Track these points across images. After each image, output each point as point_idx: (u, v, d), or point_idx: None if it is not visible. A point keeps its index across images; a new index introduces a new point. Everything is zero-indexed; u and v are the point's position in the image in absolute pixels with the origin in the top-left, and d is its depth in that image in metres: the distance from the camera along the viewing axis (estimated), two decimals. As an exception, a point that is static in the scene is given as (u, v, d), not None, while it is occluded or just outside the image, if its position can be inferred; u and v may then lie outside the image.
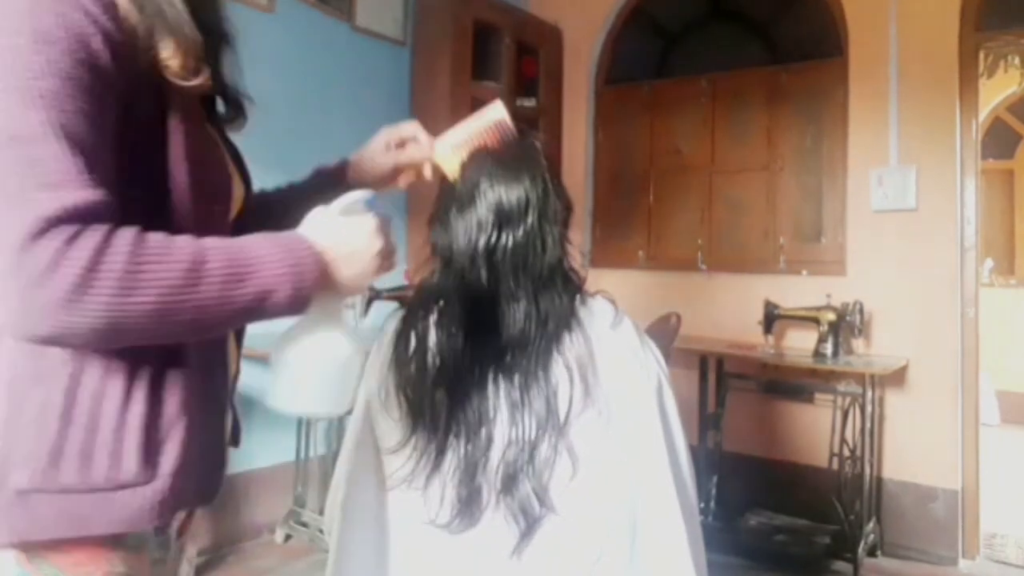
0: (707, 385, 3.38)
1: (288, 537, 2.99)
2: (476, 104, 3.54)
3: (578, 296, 1.04)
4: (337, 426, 3.10)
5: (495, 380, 0.98)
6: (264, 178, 1.05)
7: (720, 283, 3.64)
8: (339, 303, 0.85)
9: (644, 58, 4.06)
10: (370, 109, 3.45)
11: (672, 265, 3.80)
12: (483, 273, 1.01)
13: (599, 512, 0.98)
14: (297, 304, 0.76)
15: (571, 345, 0.99)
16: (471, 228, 1.02)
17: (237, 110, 0.94)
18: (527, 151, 1.08)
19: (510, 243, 1.00)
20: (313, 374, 0.83)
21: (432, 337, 1.02)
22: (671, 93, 3.91)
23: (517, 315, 0.98)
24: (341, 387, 0.86)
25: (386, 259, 0.84)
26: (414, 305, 1.08)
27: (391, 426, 1.04)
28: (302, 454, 3.07)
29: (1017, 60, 4.99)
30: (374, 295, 3.01)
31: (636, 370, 1.02)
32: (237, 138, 0.95)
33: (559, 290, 1.01)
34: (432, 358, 1.01)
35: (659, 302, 2.93)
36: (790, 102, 3.53)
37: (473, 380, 0.99)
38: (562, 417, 0.96)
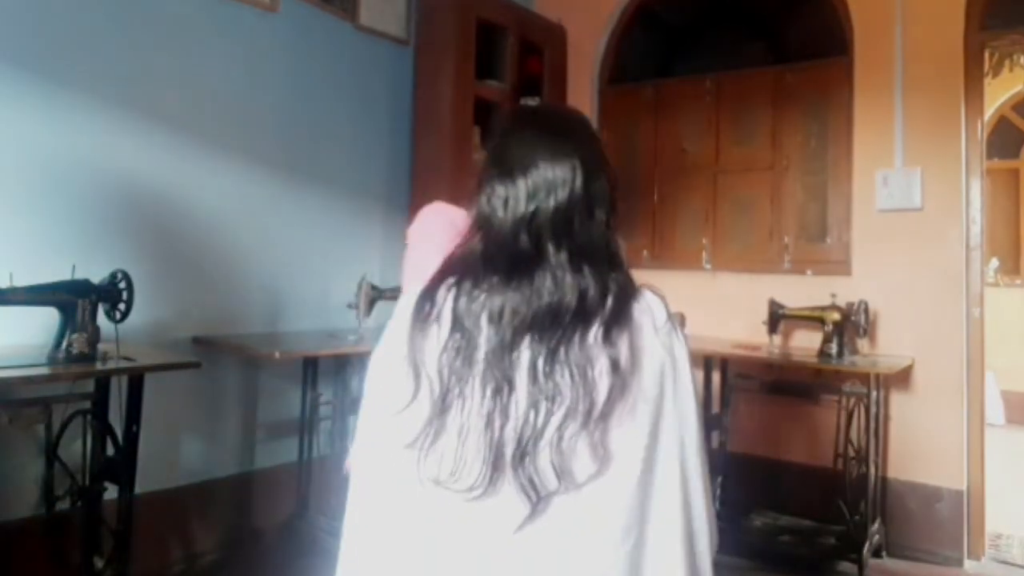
0: (712, 385, 3.37)
1: (292, 538, 2.99)
2: (480, 103, 3.58)
3: (623, 278, 0.96)
4: (340, 428, 3.10)
5: (522, 348, 0.91)
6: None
7: (725, 283, 3.63)
8: None
9: (648, 57, 4.05)
10: (373, 108, 3.45)
11: (676, 264, 3.79)
12: (523, 238, 0.94)
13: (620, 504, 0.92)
14: None
15: (614, 326, 0.92)
16: (511, 197, 0.97)
17: None
18: (573, 125, 1.03)
19: (551, 207, 0.95)
20: None
21: (453, 302, 0.95)
22: (675, 92, 3.90)
23: (553, 284, 0.92)
24: None
25: None
26: (439, 274, 1.01)
27: (402, 386, 0.97)
28: (305, 455, 3.06)
29: (1022, 59, 4.97)
30: (376, 295, 3.00)
31: (667, 364, 0.96)
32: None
33: (603, 265, 0.94)
34: (451, 320, 0.94)
35: (663, 302, 2.93)
36: (795, 102, 3.52)
37: (496, 346, 0.92)
38: (593, 401, 0.89)
